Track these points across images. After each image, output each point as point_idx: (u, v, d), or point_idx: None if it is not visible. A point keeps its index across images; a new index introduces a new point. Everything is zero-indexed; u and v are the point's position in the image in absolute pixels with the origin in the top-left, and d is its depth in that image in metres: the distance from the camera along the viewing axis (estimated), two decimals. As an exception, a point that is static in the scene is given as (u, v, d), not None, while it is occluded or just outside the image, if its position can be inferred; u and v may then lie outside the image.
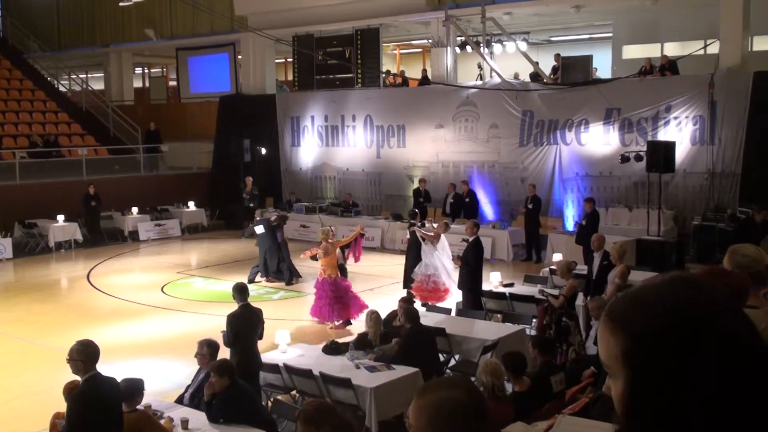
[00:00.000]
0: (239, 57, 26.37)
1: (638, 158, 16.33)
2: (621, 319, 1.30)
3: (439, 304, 11.74)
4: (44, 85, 28.75)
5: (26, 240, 20.41)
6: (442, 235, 13.15)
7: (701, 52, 18.68)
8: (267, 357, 8.57)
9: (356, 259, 13.52)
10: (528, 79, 20.21)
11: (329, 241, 12.48)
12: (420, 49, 29.17)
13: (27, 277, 17.34)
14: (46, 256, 19.65)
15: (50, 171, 22.79)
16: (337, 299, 12.08)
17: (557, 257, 12.65)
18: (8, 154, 22.63)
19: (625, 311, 1.30)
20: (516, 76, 20.29)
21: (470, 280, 11.54)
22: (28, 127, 25.30)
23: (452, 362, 9.33)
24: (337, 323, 12.15)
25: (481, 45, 20.50)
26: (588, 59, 19.59)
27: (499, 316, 11.04)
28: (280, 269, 15.61)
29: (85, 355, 5.67)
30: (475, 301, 11.37)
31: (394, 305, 9.68)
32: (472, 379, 7.11)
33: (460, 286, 11.74)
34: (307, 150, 23.89)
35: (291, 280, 15.54)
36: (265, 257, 15.59)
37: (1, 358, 11.01)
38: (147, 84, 35.90)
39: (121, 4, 18.58)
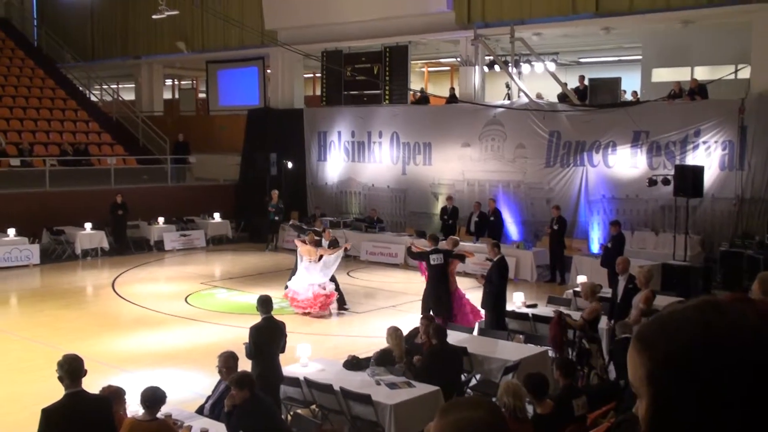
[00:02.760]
0: (268, 71, 26.58)
1: (666, 182, 16.21)
2: (647, 341, 1.31)
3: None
4: (76, 94, 29.16)
5: (54, 246, 20.66)
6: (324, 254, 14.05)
7: (732, 76, 18.54)
8: (288, 370, 8.57)
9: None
10: (555, 100, 20.17)
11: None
12: (448, 68, 29.24)
13: (53, 283, 17.53)
14: (73, 263, 19.85)
15: (79, 179, 23.06)
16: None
17: (582, 279, 12.56)
18: (39, 162, 22.94)
19: (652, 334, 1.32)
20: (539, 96, 20.24)
21: (493, 299, 11.49)
22: (59, 136, 25.65)
23: (473, 382, 9.28)
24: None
25: (510, 65, 20.50)
26: (616, 81, 19.53)
27: (521, 336, 10.97)
28: None
29: (64, 371, 5.64)
30: (497, 321, 11.32)
31: (417, 322, 9.66)
32: (493, 399, 7.08)
33: (483, 306, 11.69)
34: (333, 165, 23.98)
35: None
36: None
37: (25, 363, 11.13)
38: (177, 96, 36.28)
39: (154, 16, 18.84)
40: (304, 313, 13.89)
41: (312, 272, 13.92)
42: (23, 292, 16.93)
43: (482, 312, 12.18)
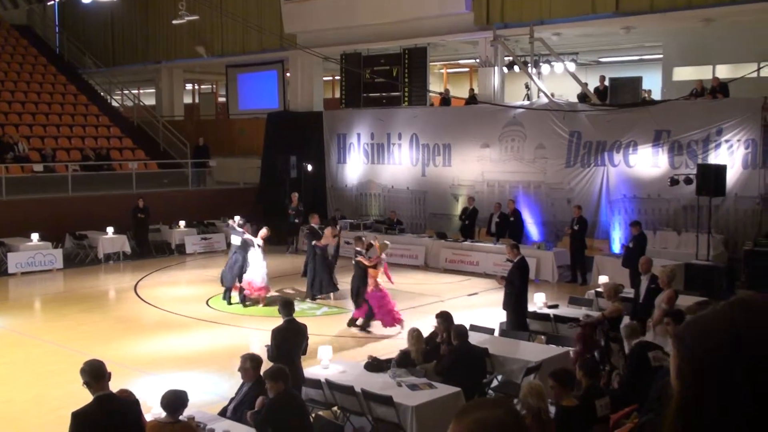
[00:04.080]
0: (287, 74, 26.67)
1: (688, 181, 16.08)
2: (680, 339, 1.33)
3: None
4: (98, 100, 29.43)
5: (76, 251, 20.83)
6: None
7: (754, 74, 18.37)
8: (309, 372, 8.59)
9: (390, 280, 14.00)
10: (576, 100, 20.08)
11: (381, 256, 13.32)
12: (467, 69, 29.22)
13: (76, 287, 17.67)
14: (95, 267, 20.01)
15: (101, 184, 23.26)
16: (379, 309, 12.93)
17: (603, 279, 12.50)
18: (61, 167, 23.15)
19: (685, 331, 1.34)
20: (552, 95, 20.13)
21: (515, 300, 11.45)
22: (81, 141, 25.88)
23: (494, 383, 9.25)
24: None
25: (529, 65, 20.43)
26: (637, 80, 19.41)
27: (542, 337, 10.93)
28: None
29: (88, 376, 5.68)
30: (519, 321, 11.28)
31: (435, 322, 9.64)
32: (515, 400, 7.05)
33: (504, 307, 11.65)
34: (353, 167, 24.02)
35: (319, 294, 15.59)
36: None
37: (49, 367, 11.22)
38: (197, 100, 36.51)
39: (173, 22, 18.94)
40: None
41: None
42: (47, 296, 17.09)
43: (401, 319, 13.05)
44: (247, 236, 15.15)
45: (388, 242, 14.48)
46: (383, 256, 13.50)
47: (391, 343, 11.97)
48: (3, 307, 15.56)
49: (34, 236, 19.38)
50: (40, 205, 21.06)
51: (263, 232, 15.22)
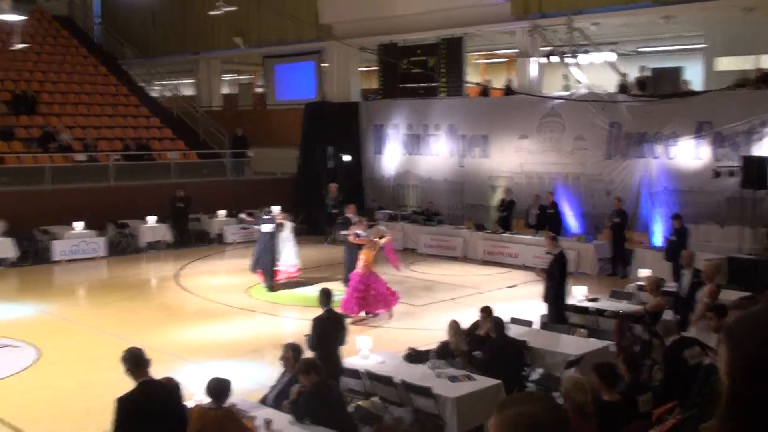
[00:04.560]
0: (324, 65, 26.74)
1: (731, 173, 15.83)
2: (729, 335, 1.34)
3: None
4: (138, 90, 29.78)
5: (119, 239, 21.17)
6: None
7: (799, 64, 18.02)
8: (349, 362, 8.65)
9: (396, 267, 14.54)
10: (615, 91, 19.86)
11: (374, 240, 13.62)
12: (505, 59, 29.00)
13: (119, 275, 17.96)
14: (137, 255, 20.32)
15: (142, 174, 23.58)
16: (362, 293, 13.08)
17: (645, 273, 12.38)
18: (103, 157, 23.49)
19: (735, 328, 1.34)
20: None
21: (554, 293, 11.40)
22: (122, 131, 26.23)
23: (534, 376, 9.23)
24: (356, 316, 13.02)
25: (567, 55, 20.24)
26: (678, 71, 19.13)
27: (583, 331, 10.85)
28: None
29: (129, 363, 5.81)
30: (558, 314, 11.24)
31: (476, 315, 9.65)
32: (555, 394, 7.03)
33: (544, 300, 11.61)
34: (390, 158, 24.03)
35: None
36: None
37: (93, 353, 11.43)
38: (235, 91, 36.77)
39: (210, 12, 19.08)
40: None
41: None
42: (91, 283, 17.40)
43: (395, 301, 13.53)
44: (279, 220, 15.76)
45: (383, 228, 14.85)
46: (380, 240, 13.83)
47: (431, 334, 11.99)
48: (48, 294, 15.89)
49: (78, 224, 19.72)
50: (83, 194, 21.42)
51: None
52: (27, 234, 19.43)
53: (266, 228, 15.71)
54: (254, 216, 17.29)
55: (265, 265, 15.68)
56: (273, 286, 15.66)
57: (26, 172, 21.70)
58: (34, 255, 19.29)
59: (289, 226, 15.90)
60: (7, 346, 11.80)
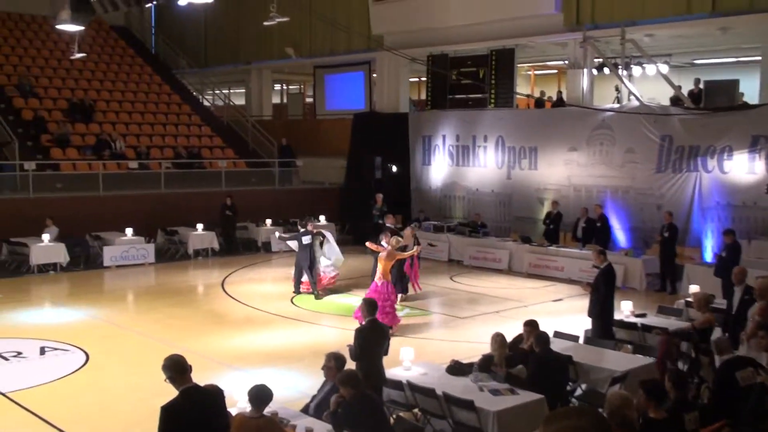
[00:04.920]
0: (374, 75, 26.84)
1: (787, 189, 15.43)
2: None
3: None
4: (190, 99, 30.29)
5: (167, 246, 21.51)
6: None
7: None
8: (391, 373, 8.62)
9: (415, 286, 15.01)
10: (668, 103, 19.55)
11: (395, 249, 13.67)
12: (555, 71, 28.79)
13: (166, 281, 18.23)
14: (185, 262, 20.60)
15: (192, 181, 23.95)
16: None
17: (694, 289, 12.12)
18: (155, 165, 23.91)
19: None
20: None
21: (600, 308, 11.21)
22: (174, 139, 26.65)
23: (578, 391, 9.08)
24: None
25: (620, 67, 19.99)
26: (734, 84, 18.72)
27: (629, 346, 10.68)
28: None
29: (172, 370, 5.82)
30: (604, 329, 11.05)
31: (520, 328, 9.55)
32: (599, 410, 6.90)
33: (589, 314, 11.43)
34: (438, 169, 24.00)
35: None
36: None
37: (139, 358, 11.61)
38: (285, 100, 37.13)
39: (264, 23, 19.37)
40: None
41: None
42: (139, 289, 17.68)
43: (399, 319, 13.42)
44: (317, 231, 16.42)
45: (401, 238, 14.63)
46: (400, 251, 13.89)
47: (474, 347, 11.90)
48: (98, 298, 16.18)
49: (129, 231, 20.08)
50: (134, 201, 21.83)
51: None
52: (79, 239, 19.85)
53: (305, 240, 16.15)
54: (298, 224, 17.61)
55: (309, 274, 16.07)
56: (318, 292, 15.98)
57: (80, 179, 22.16)
58: (85, 260, 19.70)
59: (327, 235, 16.54)
60: (56, 349, 12.05)
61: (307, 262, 16.02)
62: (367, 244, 14.44)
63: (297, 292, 16.23)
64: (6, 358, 11.50)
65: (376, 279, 13.48)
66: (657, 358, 9.02)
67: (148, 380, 10.21)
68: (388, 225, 16.63)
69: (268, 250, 22.00)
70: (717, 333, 9.66)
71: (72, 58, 24.94)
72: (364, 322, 8.75)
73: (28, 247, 18.54)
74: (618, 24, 19.33)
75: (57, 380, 10.55)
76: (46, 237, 18.73)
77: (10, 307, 15.03)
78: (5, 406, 9.46)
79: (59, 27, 17.46)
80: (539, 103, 22.67)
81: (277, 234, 17.02)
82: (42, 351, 11.94)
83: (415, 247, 14.93)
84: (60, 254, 18.80)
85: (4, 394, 9.83)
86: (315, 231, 16.38)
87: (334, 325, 13.81)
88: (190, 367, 5.91)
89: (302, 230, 16.41)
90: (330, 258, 16.46)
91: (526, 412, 7.65)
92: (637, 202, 18.89)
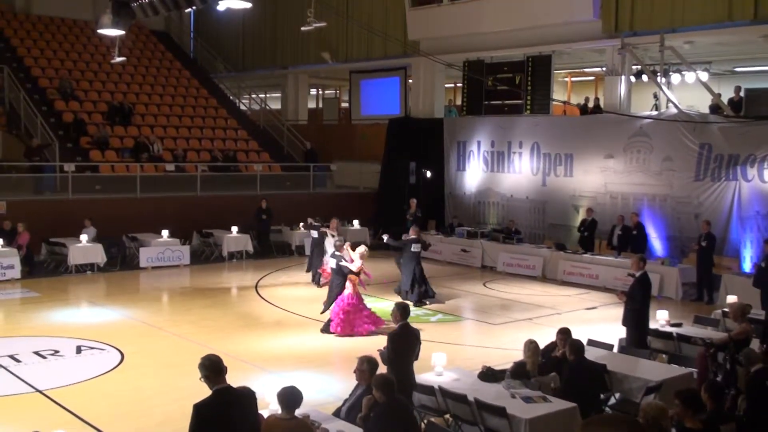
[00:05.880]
0: (410, 81, 26.86)
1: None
2: None
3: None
4: (227, 103, 30.58)
5: (203, 248, 21.71)
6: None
7: None
8: (422, 378, 8.60)
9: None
10: (707, 111, 19.28)
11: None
12: (592, 77, 28.55)
13: (201, 283, 18.38)
14: (220, 264, 20.77)
15: (227, 185, 24.17)
16: (346, 314, 13.25)
17: (731, 299, 11.93)
18: (191, 167, 24.15)
19: None
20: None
21: (635, 316, 11.08)
22: (210, 143, 26.92)
23: (612, 401, 8.98)
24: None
25: (658, 74, 19.77)
26: (775, 91, 18.44)
27: (664, 356, 10.54)
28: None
29: (207, 370, 5.88)
30: (639, 338, 10.92)
31: (553, 336, 9.47)
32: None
33: (624, 323, 11.30)
34: (472, 174, 23.93)
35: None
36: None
37: (174, 358, 11.72)
38: (320, 105, 37.30)
39: (302, 29, 19.47)
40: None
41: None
42: (174, 290, 17.85)
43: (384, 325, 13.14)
44: (322, 229, 17.65)
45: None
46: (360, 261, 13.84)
47: (507, 353, 11.84)
48: (134, 299, 16.37)
49: (165, 232, 20.30)
50: (171, 203, 22.07)
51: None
52: (116, 240, 20.13)
53: (314, 234, 18.06)
54: (313, 223, 18.69)
55: (314, 265, 17.88)
56: (319, 282, 17.36)
57: (118, 181, 22.47)
58: (121, 261, 19.95)
59: (330, 233, 17.39)
60: (92, 348, 12.21)
61: (417, 269, 16.22)
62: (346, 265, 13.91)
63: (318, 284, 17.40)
64: (43, 356, 11.69)
65: (345, 294, 13.54)
66: (698, 370, 8.89)
67: (181, 380, 10.32)
68: (330, 232, 17.34)
69: (302, 254, 22.07)
70: (755, 344, 9.50)
71: (112, 62, 25.29)
72: (396, 327, 8.74)
73: (66, 248, 18.84)
74: (657, 31, 19.14)
75: (92, 379, 10.69)
76: (84, 237, 19.03)
77: (48, 306, 15.28)
78: (41, 403, 9.61)
79: (100, 31, 17.71)
80: (583, 109, 22.43)
81: (384, 238, 16.96)
82: (78, 350, 12.11)
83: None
84: (97, 255, 19.07)
85: (40, 391, 9.98)
86: (322, 229, 17.58)
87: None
88: (226, 368, 5.97)
89: (410, 237, 16.54)
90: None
91: (558, 420, 7.58)
92: (674, 211, 18.66)
